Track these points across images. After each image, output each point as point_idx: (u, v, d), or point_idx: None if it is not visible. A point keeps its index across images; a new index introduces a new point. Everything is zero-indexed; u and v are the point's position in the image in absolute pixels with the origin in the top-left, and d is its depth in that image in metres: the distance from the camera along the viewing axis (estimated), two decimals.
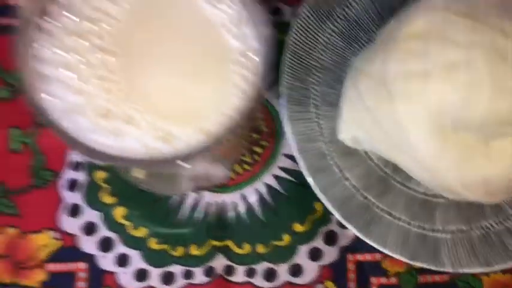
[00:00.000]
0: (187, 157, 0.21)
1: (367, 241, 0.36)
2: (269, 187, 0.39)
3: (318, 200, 0.39)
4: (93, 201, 0.38)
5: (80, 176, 0.38)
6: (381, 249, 0.36)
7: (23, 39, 0.20)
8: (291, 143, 0.37)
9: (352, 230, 0.37)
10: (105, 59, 0.22)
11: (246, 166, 0.39)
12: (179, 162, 0.21)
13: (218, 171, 0.33)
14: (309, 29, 0.39)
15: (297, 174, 0.39)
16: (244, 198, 0.39)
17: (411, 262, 0.36)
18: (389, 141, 0.35)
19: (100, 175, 0.38)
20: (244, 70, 0.23)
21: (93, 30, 0.23)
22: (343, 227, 0.39)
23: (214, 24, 0.23)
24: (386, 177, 0.39)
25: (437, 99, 0.32)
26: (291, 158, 0.40)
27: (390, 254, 0.36)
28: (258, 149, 0.40)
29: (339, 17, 0.40)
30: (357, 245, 0.39)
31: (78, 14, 0.23)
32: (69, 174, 0.38)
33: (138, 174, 0.26)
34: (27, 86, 0.20)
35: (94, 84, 0.22)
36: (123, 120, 0.22)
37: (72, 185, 0.38)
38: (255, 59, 0.23)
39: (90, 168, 0.38)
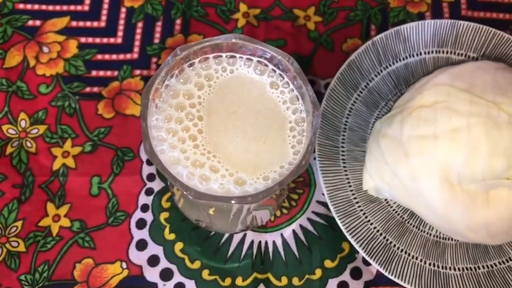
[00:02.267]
0: (255, 198, 0.29)
1: (388, 275, 0.43)
2: (304, 229, 0.46)
3: (346, 240, 0.46)
4: (157, 238, 0.46)
5: (147, 216, 0.46)
6: (399, 282, 0.43)
7: (145, 113, 0.29)
8: (323, 191, 0.45)
9: (375, 266, 0.43)
10: (196, 123, 0.31)
11: (284, 210, 0.47)
12: (248, 200, 0.28)
13: (263, 215, 0.41)
14: (337, 98, 0.48)
15: (328, 218, 0.46)
16: (282, 237, 0.46)
17: None
18: (406, 191, 0.42)
19: (163, 215, 0.46)
20: (298, 135, 0.31)
21: (187, 104, 0.31)
22: (366, 264, 0.46)
23: (276, 102, 0.32)
24: (403, 221, 0.46)
25: (445, 157, 0.40)
26: (323, 204, 0.47)
27: (408, 287, 0.43)
28: (294, 196, 0.47)
29: (362, 88, 0.49)
30: (379, 280, 0.45)
31: (177, 93, 0.31)
32: (138, 214, 0.46)
33: (210, 211, 0.33)
34: (148, 146, 0.28)
35: (188, 143, 0.31)
36: (208, 168, 0.30)
37: (140, 224, 0.46)
38: (305, 127, 0.31)
39: (155, 209, 0.46)
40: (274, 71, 0.32)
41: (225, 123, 0.31)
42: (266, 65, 0.32)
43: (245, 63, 0.32)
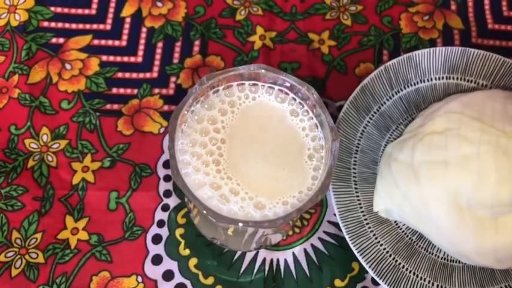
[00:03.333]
0: (273, 223, 0.30)
1: None
2: (315, 248, 0.47)
3: (356, 260, 0.47)
4: (172, 253, 0.47)
5: (163, 232, 0.47)
6: None
7: (172, 137, 0.30)
8: (335, 212, 0.46)
9: (384, 287, 0.45)
10: (219, 146, 0.32)
11: (296, 230, 0.48)
12: (265, 226, 0.30)
13: (277, 237, 0.42)
14: (350, 120, 0.49)
15: (338, 238, 0.48)
16: (294, 256, 0.47)
17: None
18: (416, 214, 0.44)
19: (179, 231, 0.47)
20: (316, 161, 0.32)
21: (211, 129, 0.33)
22: (375, 284, 0.47)
23: (296, 129, 0.33)
24: (412, 243, 0.47)
25: (455, 182, 0.41)
26: (334, 224, 0.48)
27: None
28: (306, 216, 0.49)
29: (374, 112, 0.50)
30: None
31: (202, 119, 0.33)
32: (154, 230, 0.48)
33: (229, 232, 0.34)
34: (175, 170, 0.30)
35: (211, 166, 0.32)
36: (229, 190, 0.31)
37: (156, 239, 0.47)
38: (323, 154, 0.33)
39: (171, 225, 0.48)
40: (295, 100, 0.34)
41: (246, 149, 0.33)
42: (287, 93, 0.34)
43: (267, 91, 0.34)
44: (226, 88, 0.34)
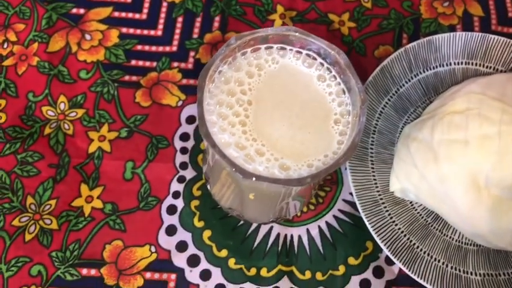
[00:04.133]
0: (302, 181, 0.30)
1: (411, 275, 0.44)
2: (329, 225, 0.47)
3: (370, 239, 0.47)
4: (186, 224, 0.47)
5: (178, 203, 0.47)
6: (422, 283, 0.44)
7: (200, 97, 0.30)
8: (351, 190, 0.46)
9: (399, 265, 0.44)
10: (246, 108, 0.32)
11: (311, 207, 0.48)
12: (294, 183, 0.29)
13: (295, 206, 0.42)
14: (369, 101, 0.49)
15: (353, 217, 0.48)
16: (308, 232, 0.47)
17: None
18: (433, 193, 0.44)
19: (194, 203, 0.47)
20: (342, 126, 0.32)
21: (237, 90, 0.33)
22: (389, 264, 0.47)
23: (322, 94, 0.33)
24: (427, 224, 0.47)
25: (474, 162, 0.41)
26: (349, 203, 0.48)
27: (429, 287, 0.44)
28: (322, 193, 0.48)
29: (393, 93, 0.50)
30: (400, 280, 0.46)
31: (229, 80, 0.33)
32: (169, 201, 0.47)
33: (251, 196, 0.34)
34: (204, 128, 0.30)
35: (237, 127, 0.32)
36: (254, 151, 0.31)
37: (171, 210, 0.47)
38: (350, 119, 0.32)
39: (186, 197, 0.47)
40: (322, 65, 0.34)
41: (272, 112, 0.33)
42: (314, 59, 0.34)
43: (294, 55, 0.34)
44: (254, 51, 0.34)
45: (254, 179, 0.29)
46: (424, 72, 0.51)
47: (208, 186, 0.46)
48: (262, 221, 0.44)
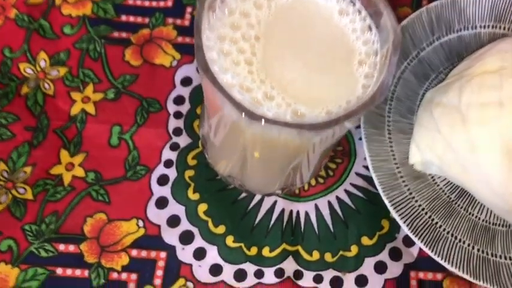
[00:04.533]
0: (325, 125, 0.24)
1: (433, 256, 0.39)
2: (340, 201, 0.42)
3: (386, 217, 0.42)
4: (179, 196, 0.41)
5: (170, 173, 0.42)
6: (445, 265, 0.39)
7: (198, 23, 0.25)
8: (367, 160, 0.41)
9: (419, 245, 0.39)
10: (253, 44, 0.27)
11: (320, 180, 0.43)
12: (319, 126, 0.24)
13: (303, 175, 0.37)
14: None
15: (367, 192, 0.42)
16: (316, 208, 0.42)
17: (474, 281, 0.38)
18: (460, 164, 0.38)
19: (188, 173, 0.42)
20: (368, 68, 0.27)
21: (243, 23, 0.27)
22: (407, 245, 0.41)
23: (344, 31, 0.28)
24: (451, 202, 0.42)
25: (510, 125, 0.36)
26: (362, 177, 0.43)
27: (454, 270, 0.39)
28: (332, 165, 0.43)
29: (413, 57, 0.45)
30: (420, 264, 0.41)
31: (233, 11, 0.28)
32: (160, 170, 0.42)
33: (255, 153, 0.29)
34: (201, 56, 0.24)
35: (242, 66, 0.27)
36: (263, 95, 0.26)
37: (162, 180, 0.42)
38: (377, 59, 0.27)
39: (180, 166, 0.42)
40: None
41: (284, 50, 0.27)
42: None
43: None
44: None
45: (263, 121, 0.24)
46: (446, 35, 0.46)
47: (206, 154, 0.40)
48: (265, 191, 0.39)
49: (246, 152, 0.30)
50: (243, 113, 0.24)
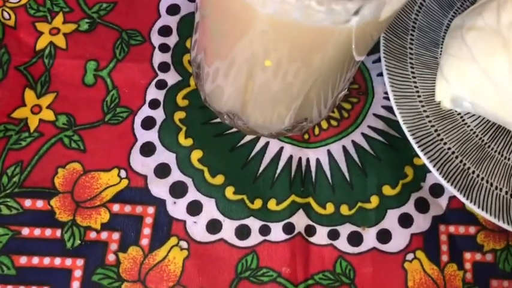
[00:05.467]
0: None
1: (468, 204, 0.33)
2: (357, 146, 0.36)
3: (409, 164, 0.36)
4: (169, 142, 0.35)
5: (157, 115, 0.35)
6: (482, 214, 0.33)
7: None
8: (389, 95, 0.35)
9: (453, 192, 0.33)
10: None
11: (333, 122, 0.37)
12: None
13: (318, 106, 0.31)
14: None
15: (388, 136, 0.37)
16: (329, 154, 0.36)
17: None
18: (499, 94, 0.33)
19: (178, 115, 0.36)
20: None
21: None
22: (435, 195, 0.36)
23: None
24: (483, 145, 0.36)
25: None
26: (382, 118, 0.37)
27: (493, 220, 0.33)
28: (347, 105, 0.37)
29: None
30: (450, 216, 0.35)
31: None
32: (145, 112, 0.35)
33: (267, 62, 0.23)
34: None
35: None
36: None
37: (148, 123, 0.35)
38: None
39: (168, 107, 0.36)
40: None
41: None
42: None
43: None
44: None
45: None
46: None
47: (200, 89, 0.34)
48: (272, 129, 0.32)
49: (254, 66, 0.24)
50: None
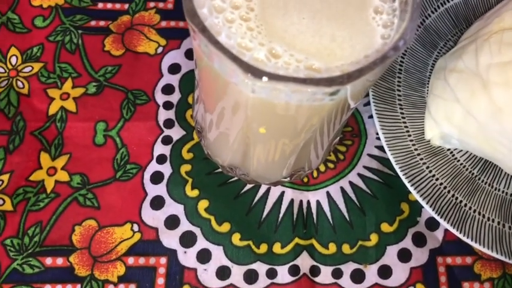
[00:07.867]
0: (331, 81, 0.21)
1: (461, 237, 0.35)
2: (354, 186, 0.38)
3: (405, 200, 0.38)
4: (177, 194, 0.37)
5: (164, 169, 0.38)
6: (475, 246, 0.35)
7: None
8: (380, 138, 0.37)
9: (446, 226, 0.35)
10: None
11: (330, 165, 0.39)
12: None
13: (314, 157, 0.33)
14: None
15: (382, 175, 0.39)
16: (329, 196, 0.38)
17: (509, 261, 0.35)
18: (483, 132, 0.35)
19: (184, 168, 0.38)
20: (386, 15, 0.23)
21: None
22: (431, 228, 0.37)
23: None
24: (474, 177, 0.38)
25: None
26: (376, 158, 0.39)
27: (486, 251, 0.35)
28: (342, 148, 0.39)
29: (418, 25, 0.42)
30: (446, 248, 0.37)
31: None
32: (153, 167, 0.38)
33: (261, 129, 0.25)
34: (188, 2, 0.21)
35: (238, 22, 0.23)
36: (268, 52, 0.22)
37: (156, 178, 0.38)
38: (396, 4, 0.24)
39: (175, 161, 0.38)
40: None
41: (285, 0, 0.24)
42: None
43: None
44: None
45: (266, 78, 0.20)
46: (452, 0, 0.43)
47: (203, 145, 0.36)
48: (272, 180, 0.35)
49: (249, 131, 0.26)
50: (249, 73, 0.20)
